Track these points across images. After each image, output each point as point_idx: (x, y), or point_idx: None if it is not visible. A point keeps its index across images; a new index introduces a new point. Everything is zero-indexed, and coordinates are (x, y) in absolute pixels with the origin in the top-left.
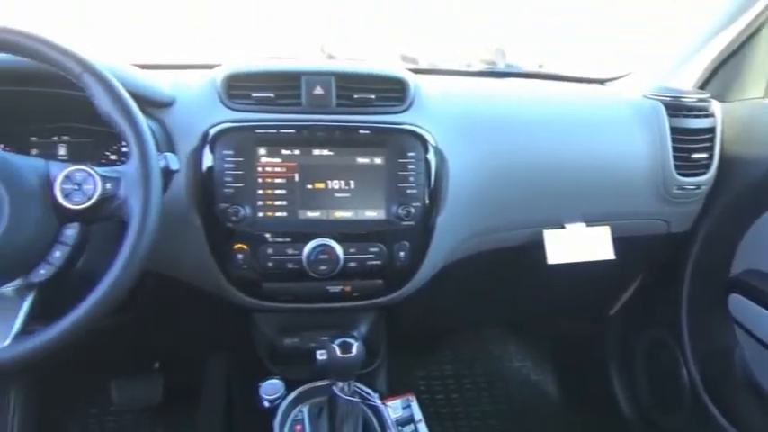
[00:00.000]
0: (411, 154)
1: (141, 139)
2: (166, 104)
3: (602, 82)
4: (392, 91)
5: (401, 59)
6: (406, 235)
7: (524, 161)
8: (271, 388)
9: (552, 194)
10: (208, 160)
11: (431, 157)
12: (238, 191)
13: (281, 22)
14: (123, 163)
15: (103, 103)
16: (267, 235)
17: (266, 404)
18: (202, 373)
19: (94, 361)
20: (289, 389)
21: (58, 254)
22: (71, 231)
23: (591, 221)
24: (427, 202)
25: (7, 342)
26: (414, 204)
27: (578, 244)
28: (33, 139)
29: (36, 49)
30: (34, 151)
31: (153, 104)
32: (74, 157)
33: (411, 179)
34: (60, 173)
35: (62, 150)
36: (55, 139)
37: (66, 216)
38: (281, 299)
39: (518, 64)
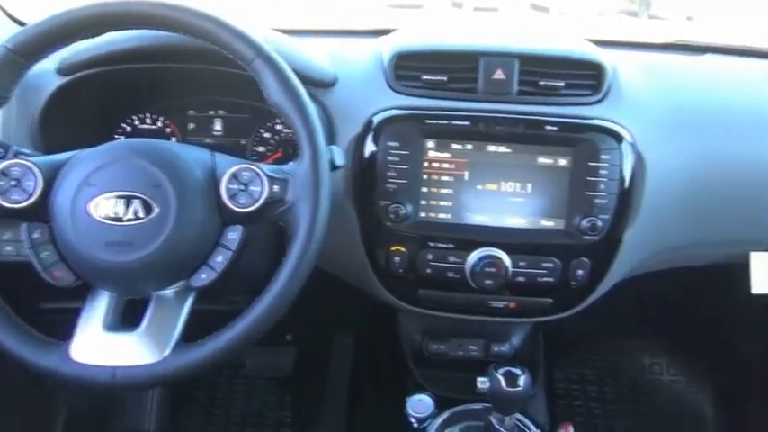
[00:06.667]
0: (605, 157)
1: (313, 138)
2: (328, 84)
3: None
4: (585, 77)
5: (532, 9)
6: (587, 251)
7: (738, 164)
8: (419, 405)
9: None
10: (370, 151)
11: (627, 159)
12: (401, 187)
13: None
14: (277, 141)
15: (274, 93)
16: (428, 238)
17: (414, 422)
18: (330, 351)
19: None
20: (438, 406)
21: (219, 258)
22: (234, 235)
23: None
24: (616, 213)
25: (167, 352)
26: (601, 216)
27: None
28: (191, 112)
29: (207, 30)
30: (191, 125)
31: (315, 84)
32: (228, 133)
33: (602, 186)
34: (227, 170)
35: (218, 125)
36: (211, 113)
37: (230, 218)
38: (435, 307)
39: (664, 16)
